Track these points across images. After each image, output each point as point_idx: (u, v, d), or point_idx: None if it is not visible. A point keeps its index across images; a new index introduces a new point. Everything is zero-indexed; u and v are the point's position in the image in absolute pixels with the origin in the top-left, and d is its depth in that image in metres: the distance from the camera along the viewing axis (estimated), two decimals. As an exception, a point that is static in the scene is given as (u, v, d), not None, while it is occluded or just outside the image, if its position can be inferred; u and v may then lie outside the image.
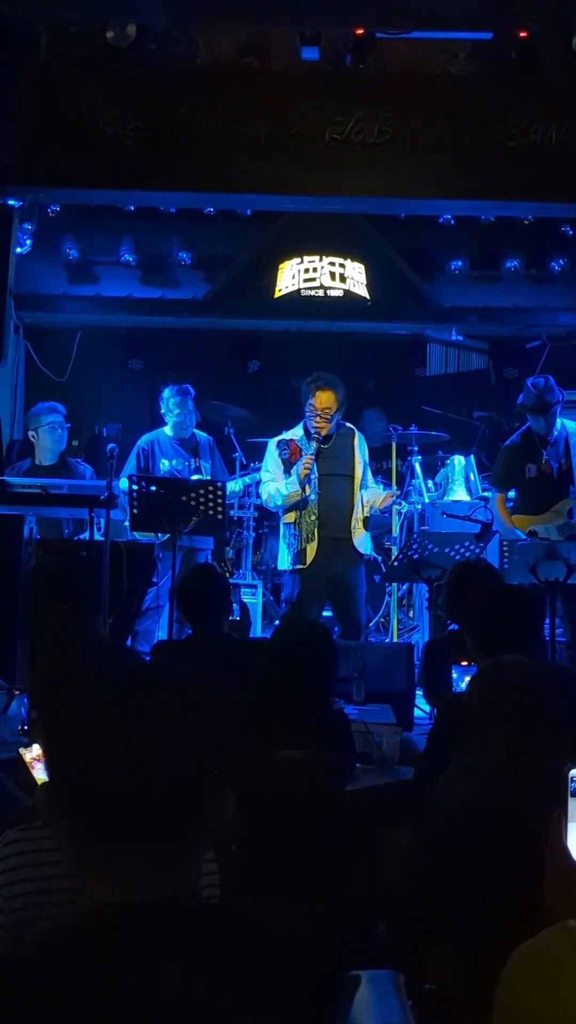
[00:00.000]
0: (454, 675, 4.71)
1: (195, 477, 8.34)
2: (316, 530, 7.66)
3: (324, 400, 7.71)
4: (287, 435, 7.94)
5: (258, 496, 8.62)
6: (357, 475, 7.83)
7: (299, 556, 7.68)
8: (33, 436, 8.55)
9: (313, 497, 7.67)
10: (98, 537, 7.26)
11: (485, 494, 9.49)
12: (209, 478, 8.30)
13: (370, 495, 7.91)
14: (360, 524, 7.80)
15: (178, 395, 8.59)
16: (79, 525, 8.16)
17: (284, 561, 7.89)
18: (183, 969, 1.44)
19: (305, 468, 7.62)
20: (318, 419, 7.69)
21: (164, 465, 8.50)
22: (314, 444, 7.69)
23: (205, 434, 8.88)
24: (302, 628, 4.76)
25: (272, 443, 8.00)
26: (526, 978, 1.59)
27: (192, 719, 1.58)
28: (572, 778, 2.19)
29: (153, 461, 8.53)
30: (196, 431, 8.78)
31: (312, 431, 7.75)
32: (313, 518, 7.66)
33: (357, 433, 8.04)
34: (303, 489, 7.63)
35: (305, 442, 7.78)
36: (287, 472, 7.75)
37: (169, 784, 1.52)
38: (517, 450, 8.41)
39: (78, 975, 1.44)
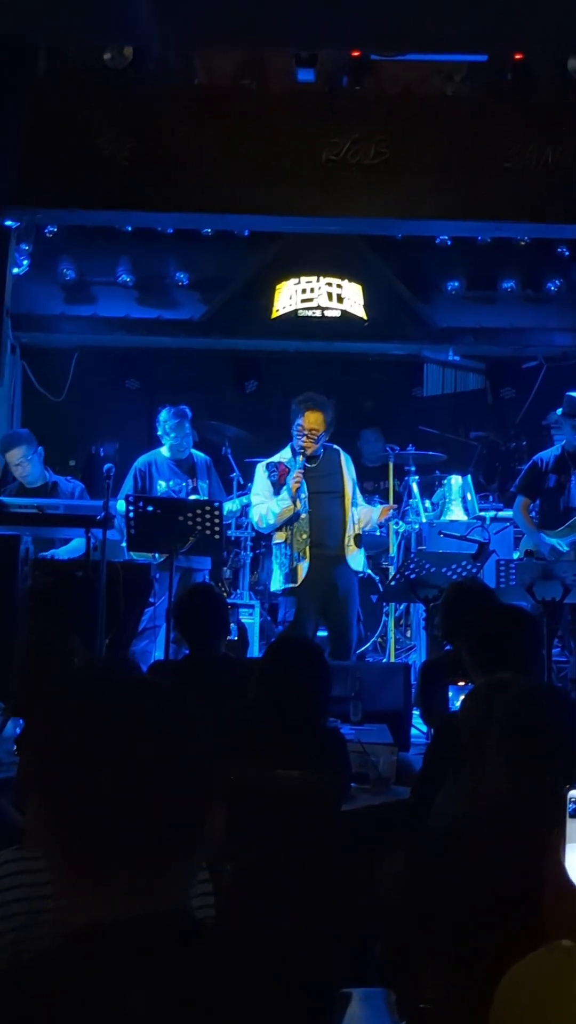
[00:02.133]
0: (450, 695, 4.70)
1: (192, 497, 8.33)
2: (308, 548, 7.68)
3: (312, 421, 7.77)
4: (274, 459, 8.00)
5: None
6: (347, 493, 7.87)
7: (291, 575, 7.70)
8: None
9: (304, 514, 7.70)
10: (95, 557, 7.25)
11: (482, 514, 9.51)
12: (206, 498, 8.30)
13: (362, 512, 7.95)
14: (352, 542, 7.83)
15: (175, 417, 8.58)
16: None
17: (277, 582, 7.90)
18: (174, 987, 1.44)
19: (296, 482, 7.66)
20: (305, 439, 7.74)
21: (161, 486, 8.49)
22: (300, 459, 7.73)
23: (203, 454, 8.87)
24: (293, 646, 4.77)
25: (260, 467, 8.07)
26: (519, 998, 1.59)
27: (180, 734, 1.57)
28: (571, 799, 2.18)
29: (150, 482, 8.52)
30: (193, 451, 8.78)
31: (298, 449, 7.79)
32: (305, 536, 7.70)
33: (342, 453, 8.10)
34: (294, 504, 7.66)
35: (293, 463, 7.84)
36: (276, 493, 7.79)
37: (158, 801, 1.52)
38: (546, 462, 8.48)
39: (66, 995, 1.43)
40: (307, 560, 7.68)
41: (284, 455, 7.96)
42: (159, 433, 8.72)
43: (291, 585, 7.72)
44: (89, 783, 1.50)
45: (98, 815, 1.50)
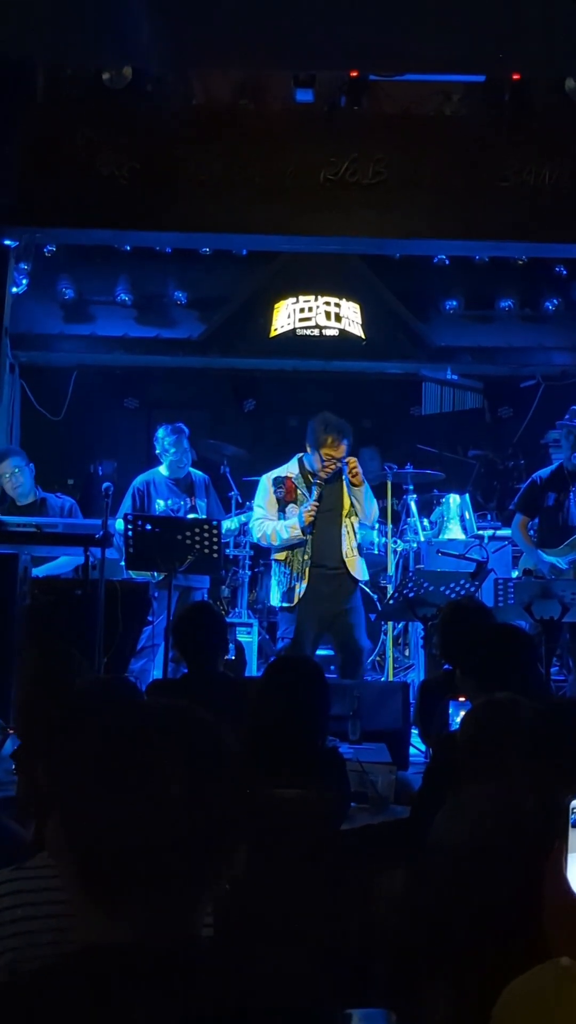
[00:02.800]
0: (451, 710, 4.69)
1: (191, 516, 8.32)
2: (307, 569, 7.65)
3: (340, 451, 7.68)
4: (281, 471, 7.92)
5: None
6: (345, 506, 7.83)
7: (288, 594, 7.68)
8: None
9: (308, 535, 7.66)
10: (93, 576, 7.24)
11: (480, 532, 9.50)
12: (205, 517, 8.29)
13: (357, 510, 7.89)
14: (353, 553, 7.78)
15: (173, 435, 8.57)
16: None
17: (275, 597, 7.88)
18: (172, 1006, 1.42)
19: (310, 515, 7.60)
20: (329, 465, 7.67)
21: (160, 505, 8.48)
22: (317, 490, 7.67)
23: (201, 473, 8.86)
24: (292, 665, 4.75)
25: (266, 479, 7.97)
26: (516, 1016, 1.58)
27: (209, 762, 1.56)
28: (573, 809, 2.17)
29: (148, 501, 8.51)
30: (192, 470, 8.76)
31: (316, 472, 7.70)
32: (306, 557, 7.66)
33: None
34: (303, 533, 7.62)
35: (301, 480, 7.78)
36: (281, 509, 7.75)
37: (183, 829, 1.50)
38: (545, 480, 8.46)
39: (63, 1011, 1.42)
40: (305, 581, 7.64)
41: (291, 469, 7.87)
42: (157, 451, 8.71)
43: (287, 604, 7.70)
44: (114, 806, 1.49)
45: (120, 839, 1.48)
